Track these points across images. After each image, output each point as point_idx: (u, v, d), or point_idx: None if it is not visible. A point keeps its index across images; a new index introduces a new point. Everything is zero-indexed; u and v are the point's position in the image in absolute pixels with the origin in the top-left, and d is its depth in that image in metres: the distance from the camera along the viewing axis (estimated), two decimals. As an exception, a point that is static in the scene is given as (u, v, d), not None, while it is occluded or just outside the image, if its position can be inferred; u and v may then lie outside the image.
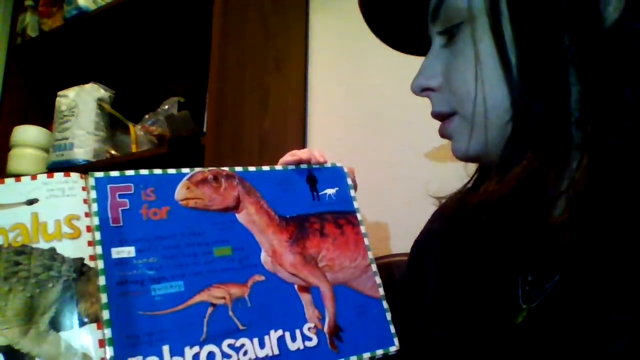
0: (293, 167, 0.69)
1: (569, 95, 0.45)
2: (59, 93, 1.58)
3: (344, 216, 0.67)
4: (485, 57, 0.48)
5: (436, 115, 0.55)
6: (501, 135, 0.48)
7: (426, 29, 0.56)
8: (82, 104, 1.55)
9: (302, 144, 1.48)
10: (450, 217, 0.65)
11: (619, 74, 0.44)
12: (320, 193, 0.68)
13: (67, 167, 1.50)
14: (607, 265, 0.44)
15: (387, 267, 0.95)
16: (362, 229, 0.67)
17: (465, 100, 0.50)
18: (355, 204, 0.69)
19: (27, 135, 1.64)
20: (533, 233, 0.49)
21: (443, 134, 0.55)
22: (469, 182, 0.61)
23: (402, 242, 0.77)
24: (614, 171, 0.44)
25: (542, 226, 0.48)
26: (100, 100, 1.57)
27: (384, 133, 1.36)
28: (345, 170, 0.71)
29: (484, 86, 0.48)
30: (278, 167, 0.68)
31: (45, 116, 1.73)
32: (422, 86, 0.55)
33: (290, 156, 0.70)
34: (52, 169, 1.54)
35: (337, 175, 0.70)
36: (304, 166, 0.69)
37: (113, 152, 1.57)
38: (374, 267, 0.66)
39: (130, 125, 1.53)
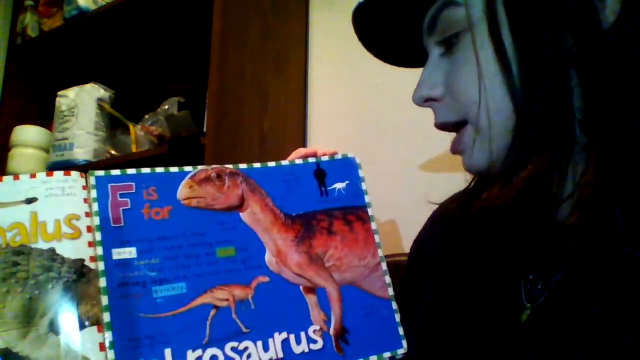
0: (300, 161, 0.66)
1: (571, 98, 0.46)
2: (59, 93, 1.58)
3: (353, 212, 0.65)
4: (486, 64, 0.48)
5: (441, 125, 0.55)
6: (506, 141, 0.48)
7: (418, 41, 0.56)
8: (82, 104, 1.54)
9: (302, 144, 1.48)
10: (452, 220, 0.65)
11: (618, 75, 0.44)
12: (329, 188, 0.65)
13: (67, 167, 1.49)
14: (610, 263, 0.45)
15: (397, 267, 0.93)
16: (373, 225, 0.65)
17: (471, 107, 0.50)
18: (367, 198, 0.66)
19: (27, 135, 1.64)
20: (538, 235, 0.50)
21: (456, 149, 0.55)
22: (468, 186, 0.61)
23: (410, 241, 0.76)
24: (620, 172, 0.44)
25: (548, 228, 0.48)
26: (100, 100, 1.57)
27: (384, 132, 1.35)
28: (357, 161, 0.68)
29: (487, 93, 0.48)
30: (284, 162, 0.65)
31: (45, 116, 1.72)
32: (425, 97, 0.54)
33: (296, 154, 0.69)
34: (52, 169, 1.53)
35: (347, 167, 0.67)
36: (312, 159, 0.66)
37: (113, 152, 1.56)
38: (384, 266, 0.63)
39: (130, 125, 1.53)
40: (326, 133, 1.47)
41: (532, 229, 0.50)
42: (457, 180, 0.63)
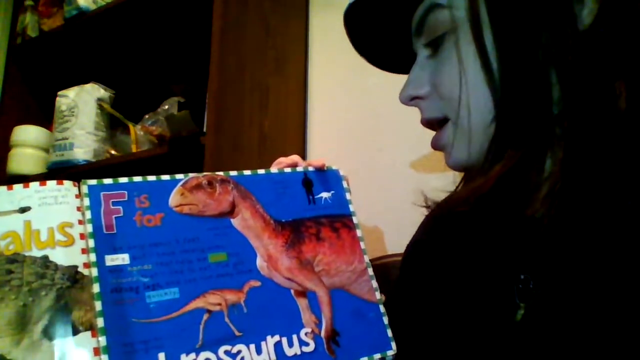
0: (289, 169, 0.68)
1: (548, 94, 0.47)
2: (59, 93, 1.58)
3: (340, 220, 0.67)
4: (468, 61, 0.50)
5: (426, 122, 0.57)
6: (486, 137, 0.50)
7: (409, 46, 0.58)
8: (82, 104, 1.55)
9: (302, 144, 1.48)
10: (440, 219, 0.66)
11: (595, 73, 0.46)
12: (316, 196, 0.67)
13: (67, 167, 1.50)
14: (596, 258, 0.45)
15: (383, 268, 0.94)
16: (358, 232, 0.67)
17: (453, 104, 0.52)
18: (351, 207, 0.68)
19: (27, 135, 1.65)
20: (515, 228, 0.51)
21: (436, 146, 0.57)
22: (456, 188, 0.62)
23: (399, 242, 0.76)
24: (589, 163, 0.46)
25: (521, 221, 0.49)
26: (100, 100, 1.57)
27: (383, 132, 1.36)
28: (341, 173, 0.70)
29: (468, 89, 0.50)
30: (274, 170, 0.67)
31: (45, 116, 1.73)
32: (411, 96, 0.57)
33: (276, 164, 0.71)
34: (52, 168, 1.54)
35: (332, 179, 0.69)
36: (300, 169, 0.68)
37: (113, 152, 1.57)
38: (370, 271, 0.65)
39: (130, 125, 1.53)
40: (326, 133, 1.48)
41: (509, 223, 0.51)
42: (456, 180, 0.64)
